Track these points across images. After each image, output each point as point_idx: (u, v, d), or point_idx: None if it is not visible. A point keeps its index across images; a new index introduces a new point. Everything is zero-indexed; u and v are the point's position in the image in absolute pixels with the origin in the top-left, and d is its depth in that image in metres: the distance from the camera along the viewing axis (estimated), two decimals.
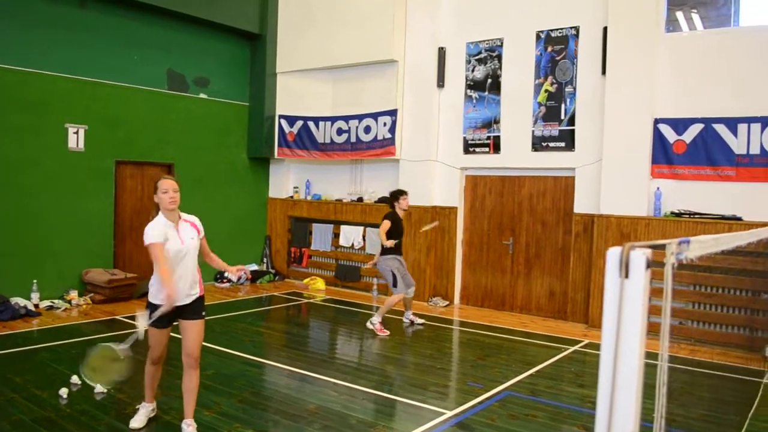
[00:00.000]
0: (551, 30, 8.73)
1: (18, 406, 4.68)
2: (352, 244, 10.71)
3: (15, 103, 8.29)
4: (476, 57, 9.47)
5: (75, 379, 5.23)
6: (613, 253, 1.20)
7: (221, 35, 10.94)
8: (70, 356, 6.10)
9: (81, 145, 9.00)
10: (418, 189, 9.81)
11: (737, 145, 7.34)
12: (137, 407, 4.47)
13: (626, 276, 1.18)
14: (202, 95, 10.76)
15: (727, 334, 7.22)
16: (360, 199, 10.72)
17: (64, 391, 4.93)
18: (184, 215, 4.19)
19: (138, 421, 4.33)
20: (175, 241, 4.04)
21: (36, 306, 8.16)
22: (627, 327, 1.17)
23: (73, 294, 8.63)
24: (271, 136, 11.24)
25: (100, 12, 9.21)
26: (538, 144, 8.85)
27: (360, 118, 10.47)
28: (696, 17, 8.64)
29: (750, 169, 7.28)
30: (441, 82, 9.73)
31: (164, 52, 10.12)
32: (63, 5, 8.78)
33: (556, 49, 8.68)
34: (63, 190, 8.80)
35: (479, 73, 9.43)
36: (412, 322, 8.12)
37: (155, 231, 3.98)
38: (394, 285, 7.66)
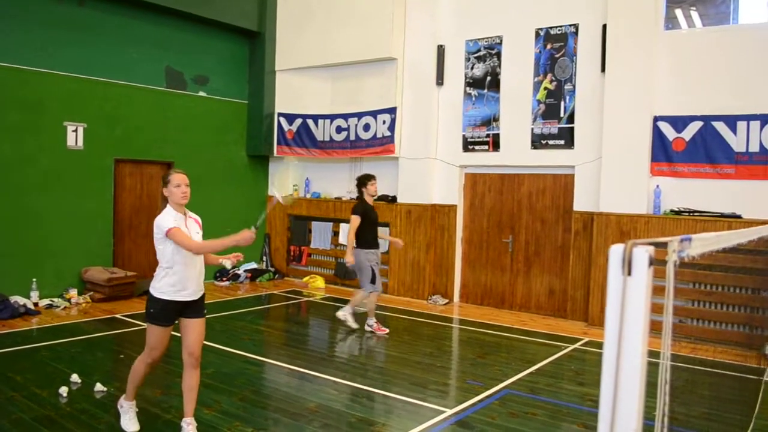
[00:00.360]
0: (550, 27, 8.72)
1: (18, 404, 4.67)
2: None
3: (13, 101, 8.28)
4: (475, 55, 9.46)
5: (75, 377, 5.23)
6: (616, 251, 1.19)
7: (220, 33, 10.93)
8: (70, 355, 6.11)
9: (80, 143, 8.99)
10: (418, 187, 9.82)
11: (736, 142, 7.34)
12: (119, 407, 4.34)
13: (629, 273, 1.18)
14: (201, 93, 10.75)
15: (726, 331, 7.22)
16: None
17: (64, 390, 4.93)
18: (189, 212, 4.18)
19: (132, 424, 4.24)
20: None
21: (35, 304, 8.15)
22: (630, 325, 1.17)
23: (73, 292, 8.62)
24: (270, 134, 11.23)
25: (98, 10, 9.19)
26: (538, 142, 8.85)
27: (359, 116, 10.46)
28: (695, 15, 8.63)
29: (749, 167, 7.29)
30: (440, 80, 9.73)
31: (163, 50, 10.11)
32: (62, 3, 8.76)
33: (556, 47, 8.67)
34: (62, 188, 8.79)
35: (478, 70, 9.42)
36: (373, 332, 7.41)
37: (167, 218, 3.93)
38: (372, 281, 7.18)
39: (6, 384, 5.11)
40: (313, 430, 4.40)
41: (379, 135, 10.17)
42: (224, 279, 10.73)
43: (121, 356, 6.27)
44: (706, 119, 7.52)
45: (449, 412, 4.82)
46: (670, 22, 8.24)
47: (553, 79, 8.70)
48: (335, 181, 11.27)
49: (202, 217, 4.30)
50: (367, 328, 7.49)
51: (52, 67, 8.66)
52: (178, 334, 4.16)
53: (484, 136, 9.37)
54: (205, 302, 4.23)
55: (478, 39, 9.43)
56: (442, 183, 9.81)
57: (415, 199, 9.88)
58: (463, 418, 4.69)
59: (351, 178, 11.06)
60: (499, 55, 9.23)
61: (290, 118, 11.16)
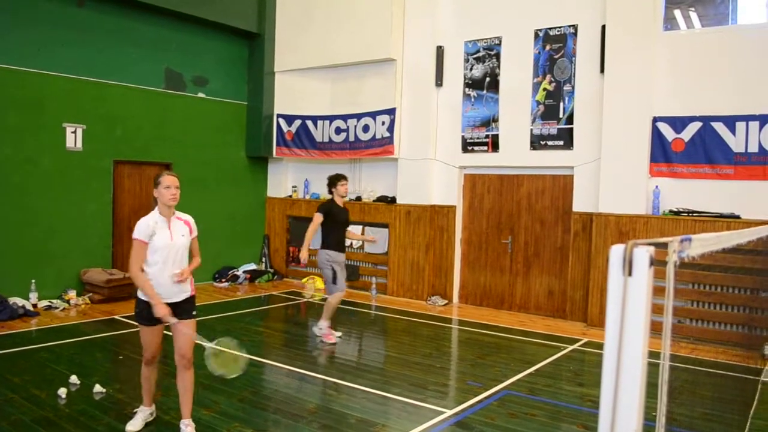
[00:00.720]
0: (549, 28, 8.73)
1: (17, 406, 4.67)
2: (351, 244, 10.67)
3: (13, 102, 8.27)
4: (474, 56, 9.46)
5: (74, 378, 5.22)
6: (616, 251, 1.19)
7: (219, 34, 10.92)
8: (69, 356, 6.10)
9: (79, 144, 8.98)
10: (417, 188, 9.83)
11: (735, 143, 7.35)
12: (134, 411, 4.43)
13: (629, 274, 1.17)
14: (201, 94, 10.74)
15: (725, 332, 7.22)
16: (359, 199, 10.71)
17: (62, 391, 4.92)
18: (178, 213, 4.22)
19: (134, 424, 4.28)
20: (164, 236, 4.05)
21: (34, 306, 8.14)
22: (630, 325, 1.16)
23: (72, 294, 8.61)
24: (269, 135, 11.23)
25: (97, 11, 9.19)
26: (537, 142, 8.85)
27: (358, 117, 10.46)
28: (694, 15, 8.63)
29: (748, 167, 7.29)
30: (439, 81, 9.73)
31: (162, 51, 10.11)
32: (61, 4, 8.76)
33: (555, 48, 8.68)
34: (61, 189, 8.78)
35: (477, 71, 9.43)
36: (322, 339, 7.03)
37: (142, 226, 4.03)
38: (334, 282, 6.93)
39: (5, 385, 5.11)
40: (313, 430, 4.39)
41: (378, 136, 10.17)
42: (223, 280, 10.72)
43: (120, 357, 6.26)
44: (705, 120, 7.53)
45: (449, 412, 4.82)
46: (669, 23, 8.24)
47: (552, 79, 8.70)
48: None
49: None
50: (316, 330, 7.09)
51: (52, 69, 8.65)
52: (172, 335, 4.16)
53: (483, 137, 9.37)
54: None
55: (477, 40, 9.43)
56: (442, 184, 9.81)
57: (415, 200, 9.88)
58: (462, 419, 4.69)
59: (350, 180, 11.02)
60: (498, 56, 9.23)
61: (289, 119, 11.16)
